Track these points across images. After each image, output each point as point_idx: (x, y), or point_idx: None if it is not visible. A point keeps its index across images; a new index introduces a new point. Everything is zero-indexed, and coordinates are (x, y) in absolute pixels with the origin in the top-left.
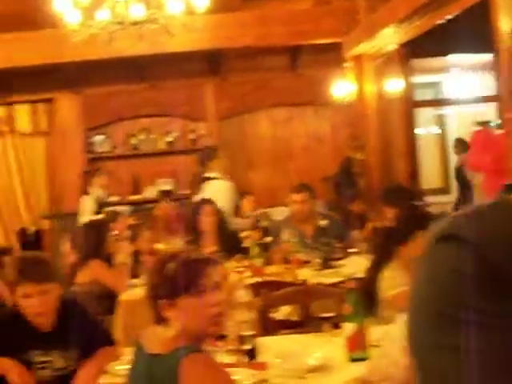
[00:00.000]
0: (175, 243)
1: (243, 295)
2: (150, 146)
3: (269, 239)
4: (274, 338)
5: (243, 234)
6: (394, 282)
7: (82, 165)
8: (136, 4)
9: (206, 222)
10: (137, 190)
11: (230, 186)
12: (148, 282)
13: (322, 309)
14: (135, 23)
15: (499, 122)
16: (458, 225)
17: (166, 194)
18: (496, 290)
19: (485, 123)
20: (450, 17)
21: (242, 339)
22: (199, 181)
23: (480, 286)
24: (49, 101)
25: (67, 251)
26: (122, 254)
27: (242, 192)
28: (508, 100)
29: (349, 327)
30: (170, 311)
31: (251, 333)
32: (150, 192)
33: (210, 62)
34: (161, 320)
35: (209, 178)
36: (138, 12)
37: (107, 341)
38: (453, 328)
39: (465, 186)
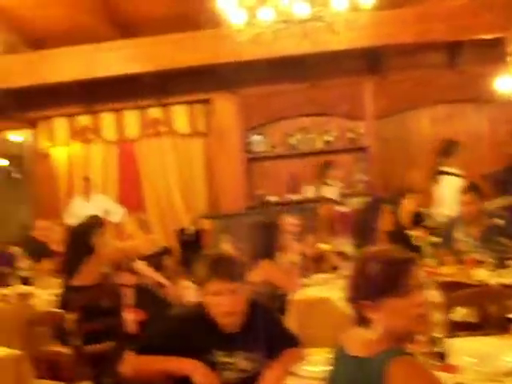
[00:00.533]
0: (339, 243)
1: (435, 296)
2: (309, 145)
3: (437, 239)
4: (463, 339)
5: (412, 233)
6: None
7: (240, 165)
8: (301, 2)
9: (384, 220)
10: (295, 189)
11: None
12: (349, 283)
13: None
14: (300, 21)
15: None
16: None
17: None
18: None
19: None
20: None
21: (433, 341)
22: (435, 173)
23: None
24: (206, 101)
25: (228, 251)
26: (292, 253)
27: (403, 190)
28: None
29: None
30: (374, 312)
31: (442, 335)
32: (308, 191)
33: (370, 60)
34: (363, 321)
35: (446, 173)
36: (302, 10)
37: (292, 342)
38: None
39: None
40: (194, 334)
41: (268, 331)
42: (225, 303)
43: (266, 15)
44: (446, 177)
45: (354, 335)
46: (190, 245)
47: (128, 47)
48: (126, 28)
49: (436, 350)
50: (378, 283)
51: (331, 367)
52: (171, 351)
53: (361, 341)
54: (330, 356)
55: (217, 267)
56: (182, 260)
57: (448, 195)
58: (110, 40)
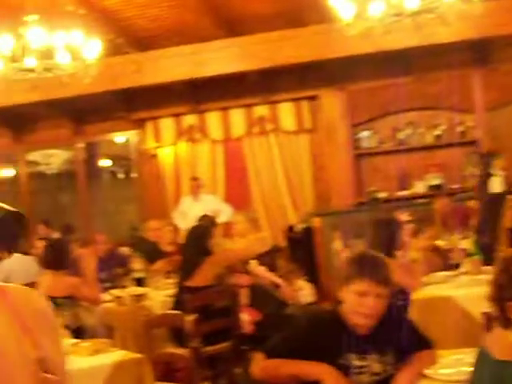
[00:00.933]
0: (457, 239)
1: None
2: (418, 140)
3: None
4: None
5: None
6: None
7: (348, 161)
8: None
9: (507, 217)
10: (405, 185)
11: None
12: (493, 282)
13: None
14: (411, 14)
15: None
16: None
17: (435, 188)
18: None
19: None
20: None
21: None
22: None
23: None
24: (313, 98)
25: (339, 249)
26: (413, 250)
27: None
28: None
29: None
30: None
31: None
32: (419, 187)
33: (479, 51)
34: (508, 323)
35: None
36: (413, 3)
37: (425, 344)
38: None
39: None
40: (326, 336)
41: (400, 333)
42: (368, 305)
43: (377, 9)
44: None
45: (497, 337)
46: (299, 243)
47: (234, 46)
48: (231, 26)
49: None
50: None
51: (473, 370)
52: (302, 354)
53: (505, 343)
54: (463, 358)
55: (368, 267)
56: (291, 258)
57: None
58: (215, 39)
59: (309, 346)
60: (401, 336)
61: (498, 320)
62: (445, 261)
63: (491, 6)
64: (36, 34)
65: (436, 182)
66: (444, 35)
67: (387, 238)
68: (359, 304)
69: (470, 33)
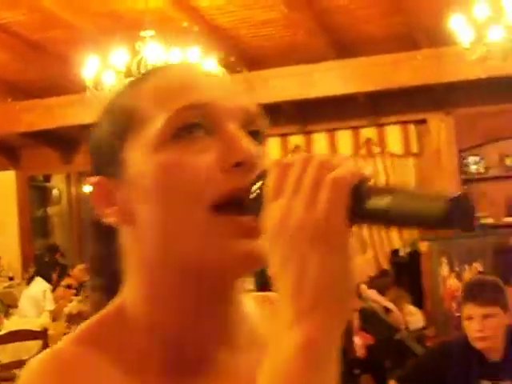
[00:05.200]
0: None
1: None
2: None
3: None
4: None
5: None
6: None
7: (455, 186)
8: None
9: None
10: (511, 211)
11: None
12: None
13: None
14: None
15: None
16: None
17: None
18: None
19: None
20: None
21: None
22: None
23: None
24: (420, 122)
25: (445, 275)
26: None
27: None
28: None
29: None
30: None
31: None
32: None
33: None
34: None
35: None
36: None
37: None
38: None
39: None
40: (457, 364)
41: None
42: (475, 328)
43: (497, 34)
44: None
45: None
46: (404, 267)
47: (344, 67)
48: (343, 48)
49: None
50: None
51: None
52: (434, 381)
53: None
54: None
55: (471, 291)
56: (396, 283)
57: None
58: (326, 60)
59: (440, 373)
60: None
61: None
62: None
63: None
64: (152, 49)
65: None
66: None
67: (505, 264)
68: (469, 328)
69: None
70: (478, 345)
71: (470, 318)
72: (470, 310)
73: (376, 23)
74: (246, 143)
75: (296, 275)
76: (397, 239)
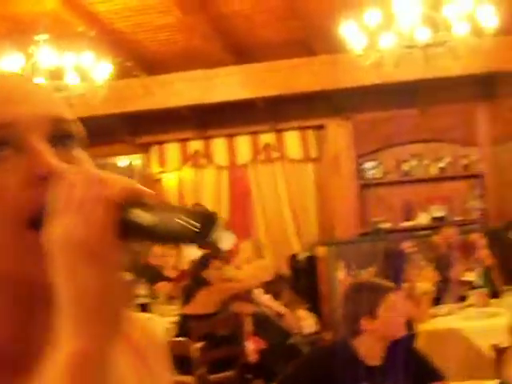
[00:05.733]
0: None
1: None
2: (422, 171)
3: None
4: None
5: None
6: None
7: (352, 191)
8: (423, 27)
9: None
10: (408, 216)
11: None
12: None
13: None
14: (422, 46)
15: None
16: None
17: (439, 220)
18: None
19: None
20: None
21: None
22: None
23: None
24: (319, 127)
25: (342, 279)
26: (425, 282)
27: None
28: None
29: None
30: None
31: None
32: (422, 218)
33: (485, 86)
34: None
35: None
36: (425, 35)
37: (437, 376)
38: None
39: None
40: (336, 368)
41: (412, 364)
42: None
43: (389, 40)
44: None
45: None
46: (302, 272)
47: (243, 72)
48: (241, 53)
49: None
50: None
51: None
52: None
53: None
54: None
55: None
56: (294, 287)
57: None
58: (225, 65)
59: (320, 377)
60: (412, 367)
61: None
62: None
63: (501, 42)
64: (46, 53)
65: (439, 213)
66: (453, 69)
67: (394, 269)
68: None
69: (479, 67)
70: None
71: None
72: None
73: (273, 28)
74: (49, 156)
75: (73, 290)
76: (295, 244)
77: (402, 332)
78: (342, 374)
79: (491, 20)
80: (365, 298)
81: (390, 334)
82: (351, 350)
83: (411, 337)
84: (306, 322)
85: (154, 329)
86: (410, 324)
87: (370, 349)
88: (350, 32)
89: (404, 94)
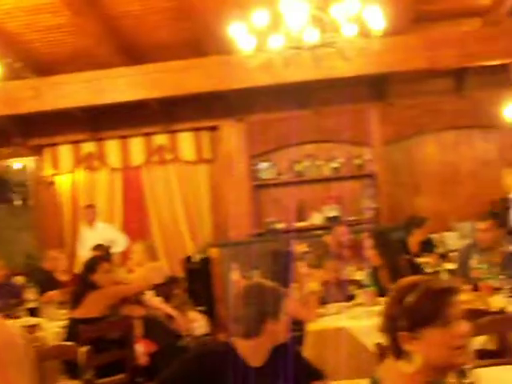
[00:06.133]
0: (352, 270)
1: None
2: (315, 172)
3: (453, 266)
4: (490, 369)
5: (422, 260)
6: None
7: (246, 192)
8: (311, 28)
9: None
10: (302, 216)
11: None
12: (385, 314)
13: None
14: (310, 48)
15: None
16: None
17: (332, 220)
18: None
19: None
20: None
21: (462, 372)
22: None
23: None
24: (213, 128)
25: (235, 280)
26: (312, 282)
27: (413, 218)
28: None
29: None
30: (412, 344)
31: (471, 365)
32: (316, 218)
33: (377, 87)
34: (400, 354)
35: None
36: (313, 36)
37: (317, 376)
38: None
39: None
40: (217, 369)
41: (292, 365)
42: None
43: (277, 41)
44: None
45: (390, 368)
46: (197, 273)
47: (135, 74)
48: (132, 54)
49: (466, 381)
50: (417, 314)
51: None
52: None
53: (398, 374)
54: None
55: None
56: (189, 289)
57: None
58: (116, 66)
59: (200, 378)
60: (293, 368)
61: (390, 351)
62: (342, 292)
63: (389, 43)
64: None
65: (333, 213)
66: (343, 70)
67: (283, 269)
68: None
69: (368, 68)
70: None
71: None
72: None
73: (164, 29)
74: None
75: None
76: (190, 245)
77: (288, 333)
78: (222, 375)
79: (379, 21)
80: (270, 300)
81: (284, 335)
82: (233, 351)
83: (294, 338)
84: (197, 323)
85: (9, 330)
86: (297, 324)
87: (257, 350)
88: (239, 33)
89: (296, 95)
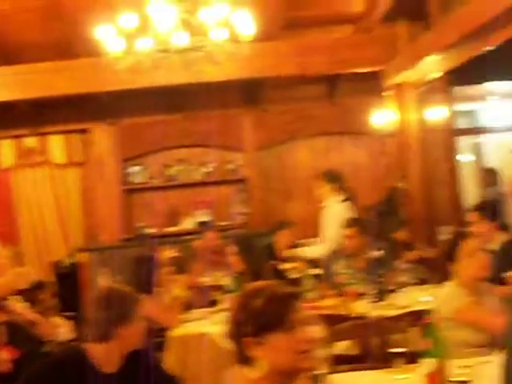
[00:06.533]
0: (219, 276)
1: (318, 330)
2: (187, 176)
3: (318, 271)
4: (345, 375)
5: (287, 266)
6: (456, 301)
7: (117, 196)
8: (180, 31)
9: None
10: (174, 221)
11: None
12: (231, 320)
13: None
14: (179, 51)
15: None
16: None
17: (204, 225)
18: None
19: None
20: (495, 46)
21: (315, 378)
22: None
23: None
24: (84, 131)
25: (104, 284)
26: (177, 287)
27: (280, 223)
28: None
29: (428, 363)
30: (257, 350)
31: (324, 371)
32: (187, 223)
33: (248, 92)
34: (245, 359)
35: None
36: (182, 40)
37: (172, 382)
38: None
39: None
40: (69, 376)
41: (147, 371)
42: None
43: (145, 44)
44: (328, 208)
45: (236, 374)
46: (66, 278)
47: (4, 74)
48: (1, 54)
49: None
50: (262, 319)
51: None
52: None
53: (244, 380)
54: None
55: None
56: (58, 294)
57: (330, 226)
58: None
59: None
60: (148, 374)
61: (237, 357)
62: (205, 297)
63: (259, 48)
64: None
65: (204, 218)
66: (213, 74)
67: (145, 275)
68: None
69: (238, 73)
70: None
71: None
72: None
73: (36, 29)
74: None
75: None
76: (61, 250)
77: (143, 340)
78: (72, 381)
79: (248, 26)
80: (122, 305)
81: (137, 341)
82: (85, 356)
83: (154, 343)
84: (62, 329)
85: None
86: (156, 330)
87: (109, 355)
88: (107, 35)
89: (168, 99)
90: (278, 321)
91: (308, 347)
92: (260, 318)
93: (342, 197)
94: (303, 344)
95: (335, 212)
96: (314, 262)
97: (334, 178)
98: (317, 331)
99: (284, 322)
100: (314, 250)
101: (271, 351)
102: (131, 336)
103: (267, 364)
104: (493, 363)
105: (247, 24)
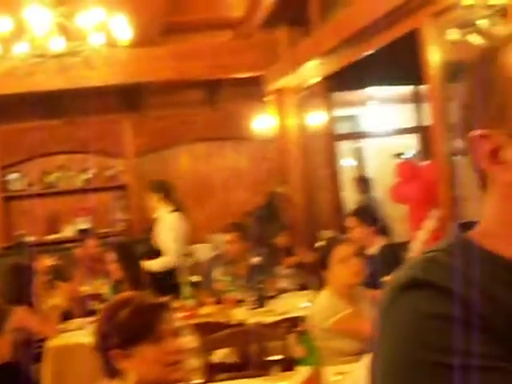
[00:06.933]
0: (98, 284)
1: (191, 341)
2: (67, 183)
3: (197, 278)
4: (229, 383)
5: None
6: (331, 309)
7: None
8: (57, 36)
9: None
10: (54, 229)
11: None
12: (97, 332)
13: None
14: (56, 56)
15: (415, 152)
16: (429, 271)
17: (84, 232)
18: (483, 334)
19: (400, 154)
20: (374, 50)
21: None
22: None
23: (467, 331)
24: None
25: None
26: (57, 296)
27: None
28: (439, 131)
29: (304, 370)
30: (125, 362)
31: (200, 381)
32: (67, 231)
33: (128, 97)
34: (114, 372)
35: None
36: (58, 44)
37: None
38: (437, 374)
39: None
40: None
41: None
42: None
43: (21, 49)
44: (159, 219)
45: None
46: None
47: None
48: None
49: None
50: (128, 330)
51: None
52: None
53: None
54: None
55: None
56: None
57: (164, 238)
58: None
59: None
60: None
61: (105, 370)
62: (84, 307)
63: (137, 53)
64: None
65: (84, 225)
66: (91, 79)
67: (21, 284)
68: None
69: (115, 78)
70: None
71: None
72: None
73: None
74: None
75: None
76: None
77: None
78: None
79: (125, 31)
80: None
81: (6, 354)
82: None
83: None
84: None
85: None
86: (34, 341)
87: None
88: None
89: (47, 105)
90: (145, 332)
91: (177, 358)
92: (126, 330)
93: (170, 207)
94: (172, 355)
95: (166, 223)
96: (195, 268)
97: (160, 188)
98: (189, 341)
99: (151, 333)
100: (158, 262)
101: (139, 363)
102: (1, 348)
103: (135, 376)
104: (361, 366)
105: (124, 29)
